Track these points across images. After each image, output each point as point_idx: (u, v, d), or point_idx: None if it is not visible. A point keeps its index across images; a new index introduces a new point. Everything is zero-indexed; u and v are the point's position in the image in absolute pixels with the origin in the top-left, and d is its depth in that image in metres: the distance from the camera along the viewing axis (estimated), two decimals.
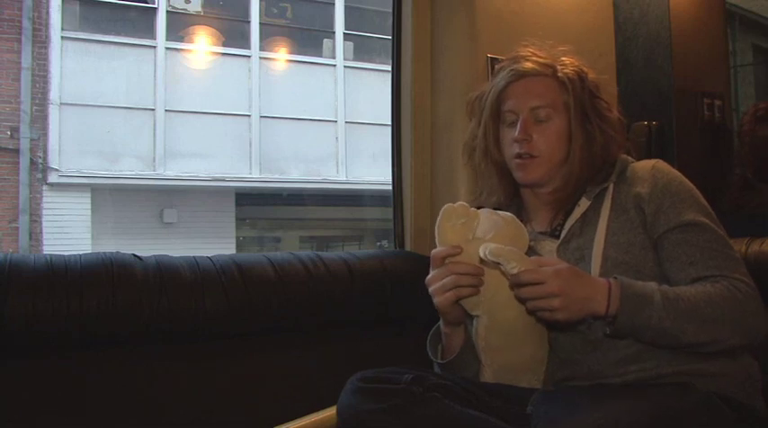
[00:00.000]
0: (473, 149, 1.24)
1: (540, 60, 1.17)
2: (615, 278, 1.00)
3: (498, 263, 0.98)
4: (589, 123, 1.14)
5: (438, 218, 1.08)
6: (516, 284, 0.98)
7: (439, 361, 1.18)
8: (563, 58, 1.19)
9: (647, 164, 1.14)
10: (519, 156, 1.15)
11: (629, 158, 1.18)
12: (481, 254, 1.00)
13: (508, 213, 1.12)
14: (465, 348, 1.15)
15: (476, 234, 1.07)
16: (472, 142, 1.24)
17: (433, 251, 1.08)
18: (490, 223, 1.08)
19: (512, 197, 1.24)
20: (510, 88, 1.17)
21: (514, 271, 0.97)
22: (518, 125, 1.14)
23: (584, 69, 1.19)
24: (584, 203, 1.14)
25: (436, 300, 1.07)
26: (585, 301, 0.98)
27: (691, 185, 1.11)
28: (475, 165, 1.25)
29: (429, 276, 1.08)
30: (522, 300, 1.00)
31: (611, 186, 1.14)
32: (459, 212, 1.07)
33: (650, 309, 0.97)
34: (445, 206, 1.08)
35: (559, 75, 1.16)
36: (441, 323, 1.17)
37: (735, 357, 1.06)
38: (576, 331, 1.09)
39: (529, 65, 1.16)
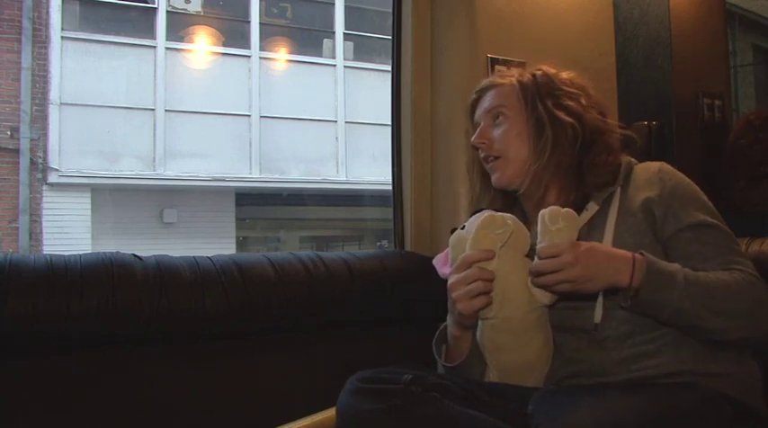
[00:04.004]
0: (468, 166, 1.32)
1: (501, 74, 1.26)
2: (641, 253, 1.01)
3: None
4: (540, 114, 1.16)
5: (475, 225, 1.07)
6: (538, 256, 1.00)
7: (445, 363, 1.18)
8: (534, 68, 1.23)
9: (652, 167, 1.15)
10: (486, 160, 1.21)
11: (633, 160, 1.19)
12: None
13: (508, 214, 1.12)
14: (472, 351, 1.15)
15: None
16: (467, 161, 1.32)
17: (465, 254, 1.06)
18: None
19: (509, 207, 1.25)
20: (476, 105, 1.26)
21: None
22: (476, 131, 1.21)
23: (547, 70, 1.21)
24: (592, 208, 1.15)
25: (460, 306, 1.05)
26: (607, 271, 0.98)
27: (696, 187, 1.13)
28: (470, 178, 1.32)
29: (453, 280, 1.06)
30: (539, 276, 1.00)
31: (618, 190, 1.14)
32: (497, 223, 1.07)
33: (673, 288, 0.99)
34: (487, 214, 1.08)
35: (513, 81, 1.20)
36: (450, 326, 1.15)
37: (739, 356, 1.07)
38: (583, 331, 1.09)
39: (487, 80, 1.25)
